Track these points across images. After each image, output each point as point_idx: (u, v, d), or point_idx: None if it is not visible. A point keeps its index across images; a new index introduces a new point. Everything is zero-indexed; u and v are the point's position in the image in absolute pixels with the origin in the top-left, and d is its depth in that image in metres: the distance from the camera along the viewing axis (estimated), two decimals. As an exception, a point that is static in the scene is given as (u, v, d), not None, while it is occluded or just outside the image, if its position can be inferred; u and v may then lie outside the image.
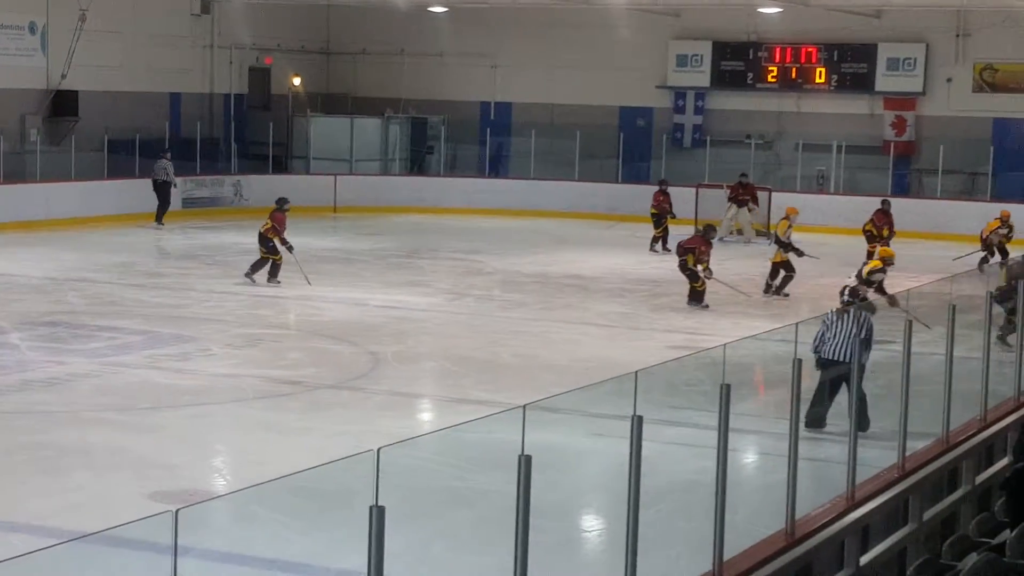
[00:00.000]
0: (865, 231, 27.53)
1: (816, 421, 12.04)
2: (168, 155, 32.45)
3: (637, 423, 6.93)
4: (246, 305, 21.23)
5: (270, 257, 23.05)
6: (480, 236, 31.19)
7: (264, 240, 23.14)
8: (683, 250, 22.21)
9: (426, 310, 21.38)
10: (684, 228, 29.02)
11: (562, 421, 12.00)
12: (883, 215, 27.70)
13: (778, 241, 23.53)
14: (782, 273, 23.18)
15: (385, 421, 14.07)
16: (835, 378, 12.49)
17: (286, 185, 35.15)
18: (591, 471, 12.44)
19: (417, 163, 39.12)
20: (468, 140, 38.69)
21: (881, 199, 29.04)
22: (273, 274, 23.00)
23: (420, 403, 16.29)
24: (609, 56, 37.00)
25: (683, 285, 23.91)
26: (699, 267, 21.87)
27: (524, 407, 6.21)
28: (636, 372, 7.07)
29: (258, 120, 37.38)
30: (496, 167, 37.95)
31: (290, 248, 22.99)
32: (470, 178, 37.61)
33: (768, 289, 23.01)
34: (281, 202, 23.97)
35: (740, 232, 31.73)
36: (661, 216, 29.30)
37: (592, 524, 11.72)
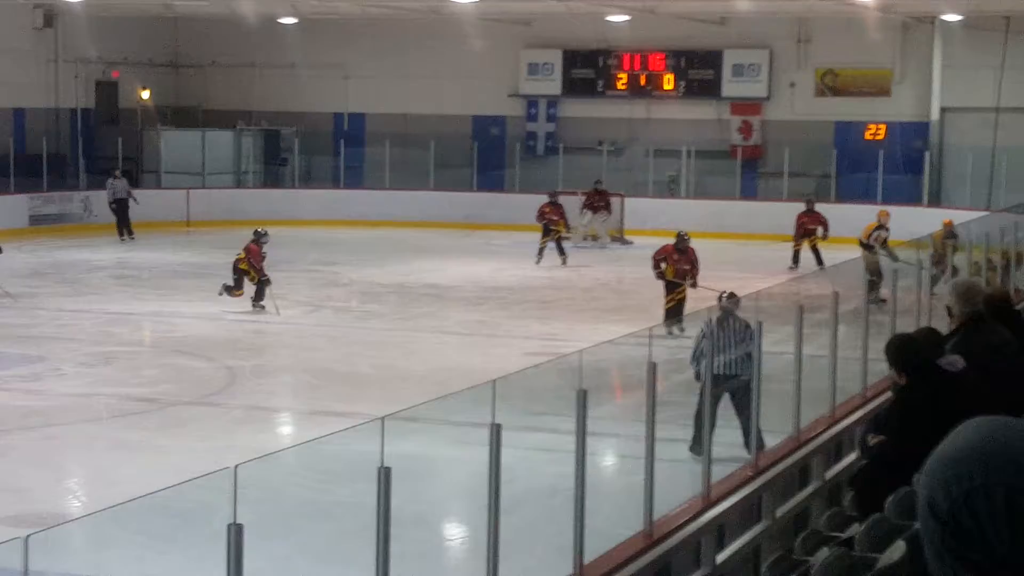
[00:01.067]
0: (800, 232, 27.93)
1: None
2: (117, 173, 32.75)
3: (496, 431, 6.99)
4: (99, 323, 20.90)
5: (228, 288, 22.08)
6: (336, 247, 31.07)
7: (235, 270, 22.21)
8: (656, 262, 20.87)
9: (283, 323, 21.26)
10: (535, 235, 29.19)
11: (422, 431, 12.04)
12: (811, 215, 28.17)
13: (862, 244, 23.87)
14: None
15: (244, 436, 13.97)
16: (727, 394, 11.88)
17: (137, 199, 34.66)
18: (452, 479, 12.49)
19: (271, 176, 38.83)
20: (322, 151, 38.49)
21: (805, 199, 29.42)
22: (227, 290, 22.05)
23: (279, 417, 16.19)
24: (461, 65, 37.11)
25: (538, 291, 24.12)
26: (686, 280, 20.46)
27: (383, 419, 6.23)
28: (494, 380, 7.14)
29: (106, 135, 36.78)
30: (350, 178, 37.79)
31: (266, 281, 21.91)
32: (325, 189, 37.43)
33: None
34: (258, 234, 22.83)
35: (595, 238, 32.03)
36: (547, 228, 28.71)
37: (454, 532, 11.77)
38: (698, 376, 12.13)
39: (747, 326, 12.03)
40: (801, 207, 28.76)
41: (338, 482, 11.11)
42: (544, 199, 29.67)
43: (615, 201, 32.68)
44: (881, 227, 24.68)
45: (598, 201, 32.13)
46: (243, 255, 22.35)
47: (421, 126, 37.23)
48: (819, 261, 27.11)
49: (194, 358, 18.24)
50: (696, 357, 12.37)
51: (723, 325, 12.36)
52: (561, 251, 28.34)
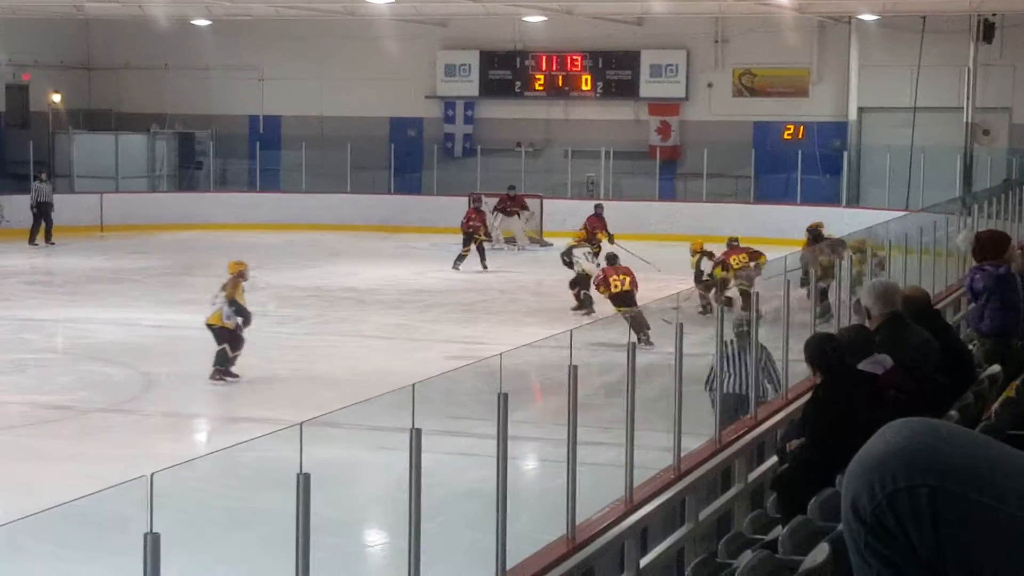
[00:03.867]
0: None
1: None
2: (43, 176, 32.64)
3: (416, 436, 6.89)
4: (10, 330, 20.54)
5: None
6: (252, 251, 30.58)
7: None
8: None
9: (200, 328, 20.96)
10: (454, 237, 29.09)
11: (342, 436, 11.92)
12: (596, 219, 28.31)
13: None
14: None
15: (160, 444, 13.77)
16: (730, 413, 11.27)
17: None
18: (373, 485, 12.38)
19: (186, 179, 38.44)
20: (237, 154, 38.16)
21: (595, 203, 29.58)
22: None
23: (196, 423, 15.99)
24: (377, 67, 36.92)
25: (457, 295, 24.02)
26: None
27: (301, 424, 6.12)
28: (413, 384, 7.03)
29: (17, 138, 36.22)
30: (266, 181, 37.47)
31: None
32: (240, 193, 37.10)
33: None
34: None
35: (512, 241, 32.01)
36: (469, 236, 28.52)
37: (375, 538, 11.66)
38: (718, 402, 11.54)
39: (766, 350, 11.55)
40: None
41: (257, 489, 10.95)
42: (467, 204, 29.59)
43: (533, 203, 32.66)
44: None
45: (511, 206, 32.14)
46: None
47: (337, 128, 37.00)
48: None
49: (109, 364, 17.98)
50: (711, 383, 11.85)
51: (744, 350, 11.71)
52: (482, 257, 28.20)
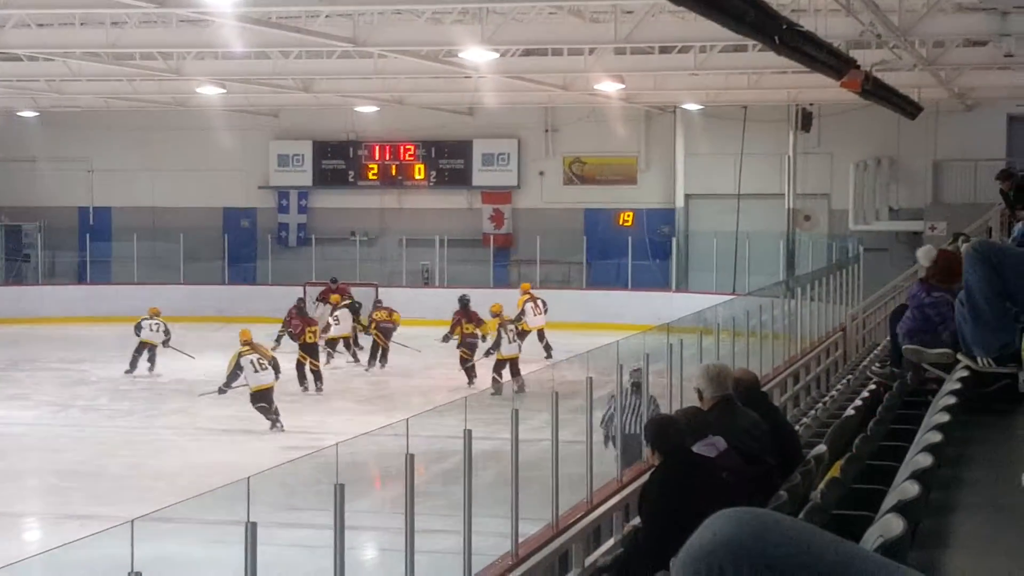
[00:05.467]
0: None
1: None
2: None
3: (251, 529, 6.84)
4: None
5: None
6: (83, 345, 30.19)
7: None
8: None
9: (28, 424, 20.54)
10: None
11: (176, 531, 11.71)
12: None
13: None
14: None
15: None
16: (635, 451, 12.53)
17: None
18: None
19: (12, 272, 37.63)
20: (66, 247, 37.51)
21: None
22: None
23: (24, 523, 15.56)
24: (210, 157, 36.70)
25: (291, 384, 23.83)
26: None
27: (132, 521, 6.04)
28: (248, 477, 6.99)
29: None
30: (97, 273, 36.84)
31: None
32: (69, 285, 36.43)
33: None
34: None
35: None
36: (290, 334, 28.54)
37: (211, 636, 11.46)
38: (609, 440, 13.07)
39: (652, 395, 13.14)
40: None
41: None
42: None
43: (367, 292, 32.59)
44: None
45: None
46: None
47: (170, 219, 36.62)
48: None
49: (-69, 465, 17.45)
50: (606, 422, 13.31)
51: (636, 392, 13.26)
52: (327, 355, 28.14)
